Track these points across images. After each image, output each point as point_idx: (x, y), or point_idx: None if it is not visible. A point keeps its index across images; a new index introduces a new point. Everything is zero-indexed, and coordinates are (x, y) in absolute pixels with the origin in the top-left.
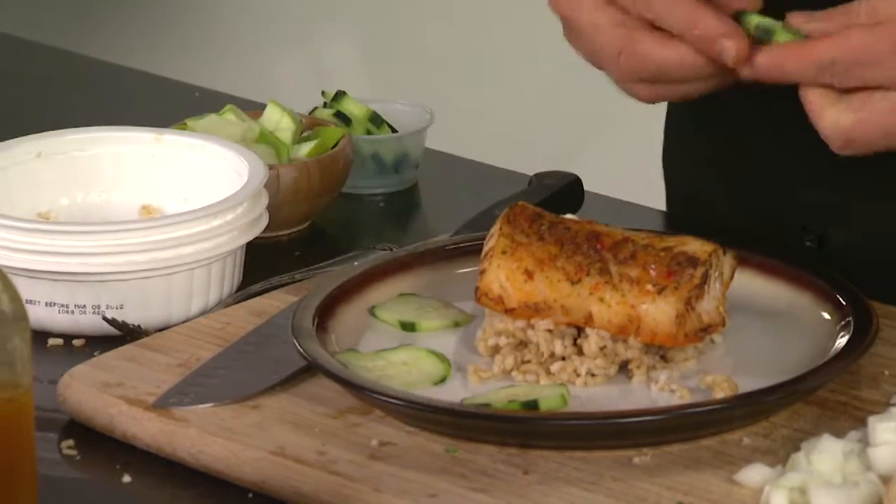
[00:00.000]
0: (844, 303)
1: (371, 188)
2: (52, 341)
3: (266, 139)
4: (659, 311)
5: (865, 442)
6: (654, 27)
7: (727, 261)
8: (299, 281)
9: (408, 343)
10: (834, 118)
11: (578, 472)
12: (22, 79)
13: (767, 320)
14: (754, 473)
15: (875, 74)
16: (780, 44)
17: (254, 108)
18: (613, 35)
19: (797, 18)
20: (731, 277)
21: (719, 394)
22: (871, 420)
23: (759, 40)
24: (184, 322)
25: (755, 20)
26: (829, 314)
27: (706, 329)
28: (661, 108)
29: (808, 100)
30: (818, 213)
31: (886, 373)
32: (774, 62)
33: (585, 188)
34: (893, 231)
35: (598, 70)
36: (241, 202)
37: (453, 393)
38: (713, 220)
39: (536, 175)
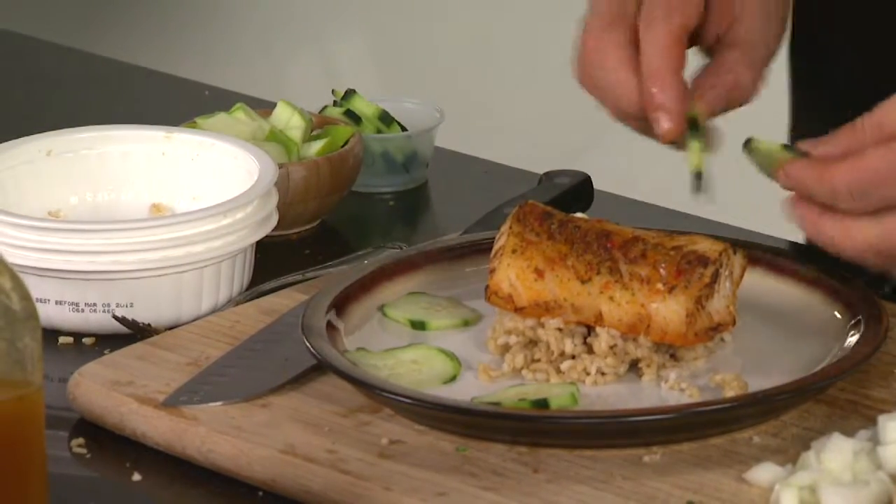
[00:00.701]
0: (855, 301)
1: (381, 187)
2: (62, 340)
3: (276, 138)
4: (669, 311)
5: (875, 441)
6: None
7: (737, 260)
8: (309, 279)
9: (418, 342)
10: (858, 236)
11: (588, 471)
12: (32, 77)
13: (777, 319)
14: (764, 472)
15: None
16: (799, 160)
17: (264, 107)
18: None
19: (804, 145)
20: (741, 276)
21: (729, 393)
22: (882, 419)
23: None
24: (194, 321)
25: (761, 146)
26: (840, 313)
27: (716, 328)
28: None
29: (823, 234)
30: None
31: None
32: (792, 178)
33: (595, 187)
34: None
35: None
36: (250, 201)
37: (463, 391)
38: None
39: (546, 174)
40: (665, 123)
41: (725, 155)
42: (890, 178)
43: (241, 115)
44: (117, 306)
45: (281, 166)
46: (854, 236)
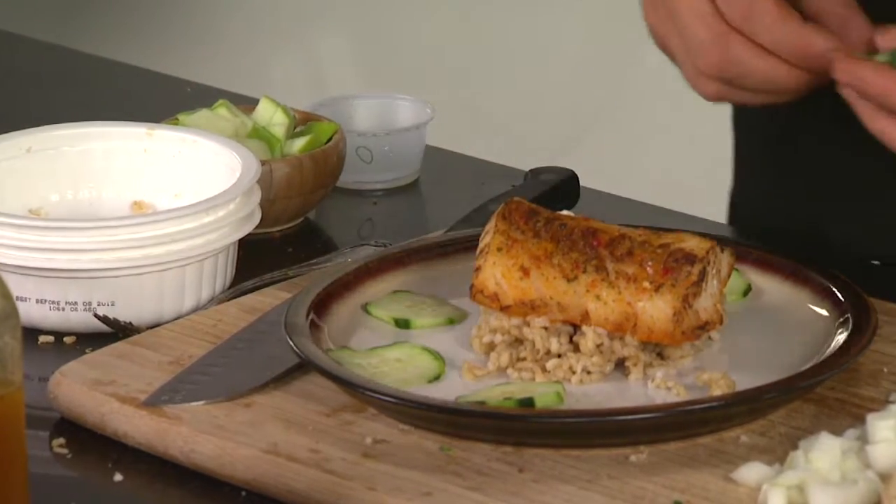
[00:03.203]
0: (843, 299)
1: (367, 184)
2: (42, 338)
3: (259, 134)
4: (656, 309)
5: (864, 440)
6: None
7: (725, 258)
8: (292, 278)
9: (402, 340)
10: None
11: (574, 471)
12: (11, 73)
13: (765, 317)
14: (752, 472)
15: None
16: (872, 60)
17: (247, 103)
18: (714, 28)
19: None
20: (729, 274)
21: (716, 391)
22: (870, 418)
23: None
24: (176, 319)
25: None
26: (828, 311)
27: (703, 327)
28: (658, 104)
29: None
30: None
31: (885, 370)
32: (854, 74)
33: (581, 184)
34: None
35: (660, 53)
36: (233, 198)
37: (448, 391)
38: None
39: (532, 171)
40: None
41: (714, 153)
42: None
43: (223, 112)
44: (98, 305)
45: (264, 163)
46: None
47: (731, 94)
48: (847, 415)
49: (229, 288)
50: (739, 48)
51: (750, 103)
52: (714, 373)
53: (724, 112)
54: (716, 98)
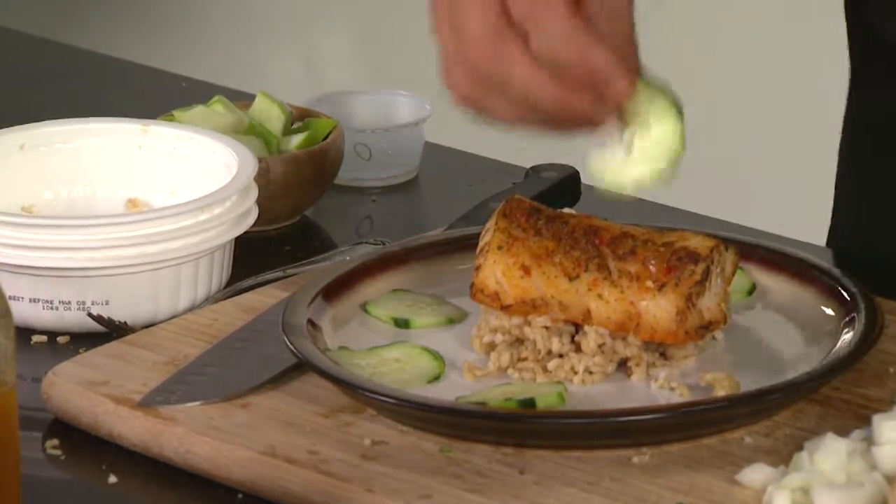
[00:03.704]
0: (849, 299)
1: (366, 181)
2: (36, 338)
3: (255, 131)
4: (659, 308)
5: (870, 441)
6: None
7: (729, 256)
8: (290, 276)
9: (401, 340)
10: None
11: (576, 472)
12: (4, 69)
13: (770, 317)
14: (756, 473)
15: None
16: None
17: (243, 100)
18: (489, 18)
19: None
20: (733, 273)
21: (720, 392)
22: (876, 418)
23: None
24: (171, 318)
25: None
26: (834, 310)
27: (707, 326)
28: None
29: None
30: None
31: (892, 370)
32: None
33: (583, 181)
34: None
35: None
36: (229, 196)
37: (448, 391)
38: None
39: (533, 167)
40: (617, 89)
41: (722, 150)
42: None
43: (219, 108)
44: (93, 304)
45: (260, 160)
46: None
47: (481, 98)
48: (853, 416)
49: (225, 287)
50: (513, 47)
51: (493, 115)
52: (718, 373)
53: (725, 111)
54: (464, 96)
